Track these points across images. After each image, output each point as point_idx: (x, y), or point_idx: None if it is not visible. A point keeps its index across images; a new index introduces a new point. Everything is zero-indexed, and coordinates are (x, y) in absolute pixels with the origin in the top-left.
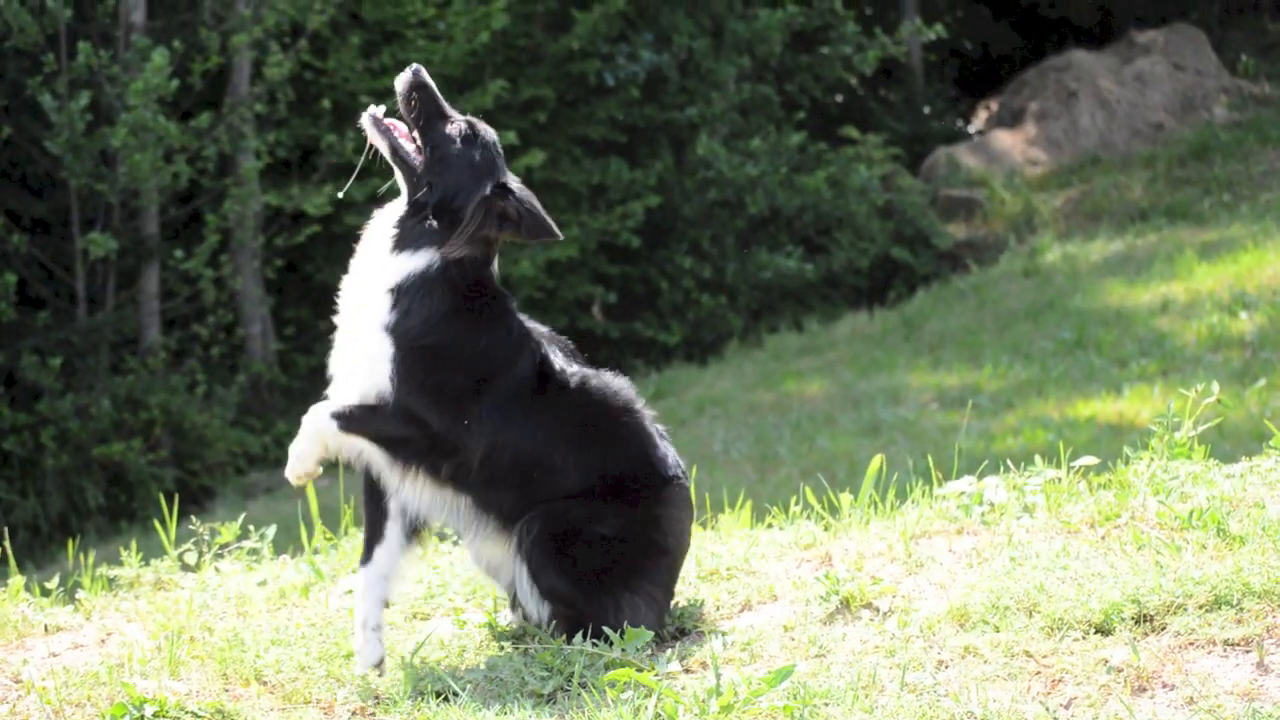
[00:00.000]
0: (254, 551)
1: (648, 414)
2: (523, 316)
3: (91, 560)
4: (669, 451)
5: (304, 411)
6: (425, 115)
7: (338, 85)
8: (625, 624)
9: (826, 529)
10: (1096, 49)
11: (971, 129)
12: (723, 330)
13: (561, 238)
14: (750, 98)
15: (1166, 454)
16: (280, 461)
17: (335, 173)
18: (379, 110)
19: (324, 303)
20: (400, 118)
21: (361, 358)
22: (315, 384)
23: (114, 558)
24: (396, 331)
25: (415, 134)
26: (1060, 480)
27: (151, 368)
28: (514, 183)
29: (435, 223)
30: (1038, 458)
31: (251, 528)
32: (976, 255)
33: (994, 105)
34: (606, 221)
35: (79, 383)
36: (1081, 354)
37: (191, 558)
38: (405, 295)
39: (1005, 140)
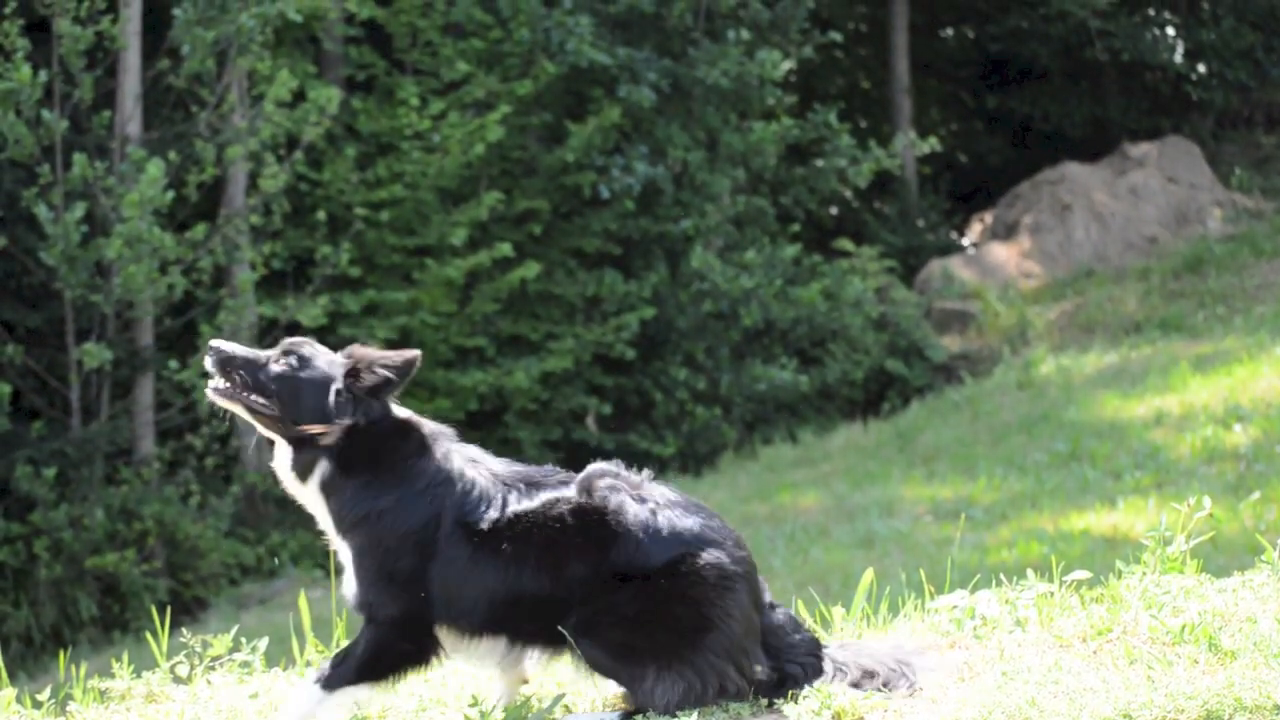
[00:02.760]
0: (246, 664)
1: (630, 508)
2: (467, 454)
3: (83, 672)
4: (665, 526)
5: (298, 522)
6: (250, 374)
7: (333, 197)
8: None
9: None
10: (1090, 162)
11: (966, 241)
12: (717, 442)
13: (417, 354)
14: (745, 210)
15: (1159, 568)
16: (274, 572)
17: (330, 284)
18: (219, 382)
19: None
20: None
21: (347, 570)
22: None
23: (106, 669)
24: (342, 529)
25: (253, 396)
26: (1053, 594)
27: (145, 478)
28: (360, 354)
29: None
30: (1030, 571)
31: (244, 639)
32: (971, 367)
33: (988, 218)
34: (601, 333)
35: (73, 493)
36: (1076, 466)
37: (183, 670)
38: (330, 489)
39: (1000, 253)
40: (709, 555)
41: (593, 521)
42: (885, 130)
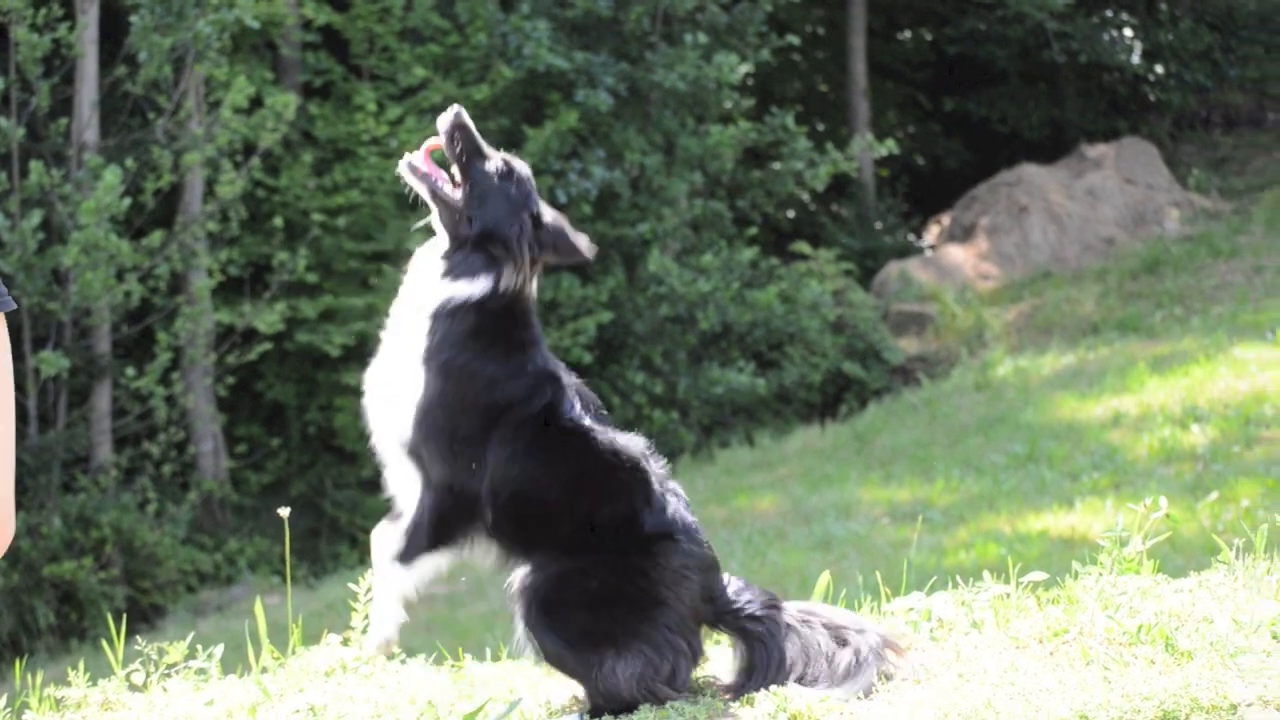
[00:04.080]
0: (202, 671)
1: (656, 472)
2: (554, 361)
3: (40, 680)
4: (670, 508)
5: (255, 529)
6: (466, 153)
7: (290, 203)
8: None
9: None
10: (1048, 164)
11: (923, 244)
12: (674, 446)
13: (590, 258)
14: (702, 214)
15: (1115, 569)
16: (232, 579)
17: (287, 290)
18: (415, 156)
19: (275, 420)
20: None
21: (394, 389)
22: (268, 501)
23: (63, 677)
24: (427, 356)
25: (455, 170)
26: (1009, 596)
27: (103, 486)
28: (547, 212)
29: (487, 254)
30: (986, 573)
31: (200, 647)
32: (928, 369)
33: (946, 220)
34: (558, 338)
35: (30, 501)
36: (1033, 468)
37: (139, 678)
38: (442, 320)
39: (957, 255)
40: (688, 542)
41: (627, 464)
42: (843, 133)
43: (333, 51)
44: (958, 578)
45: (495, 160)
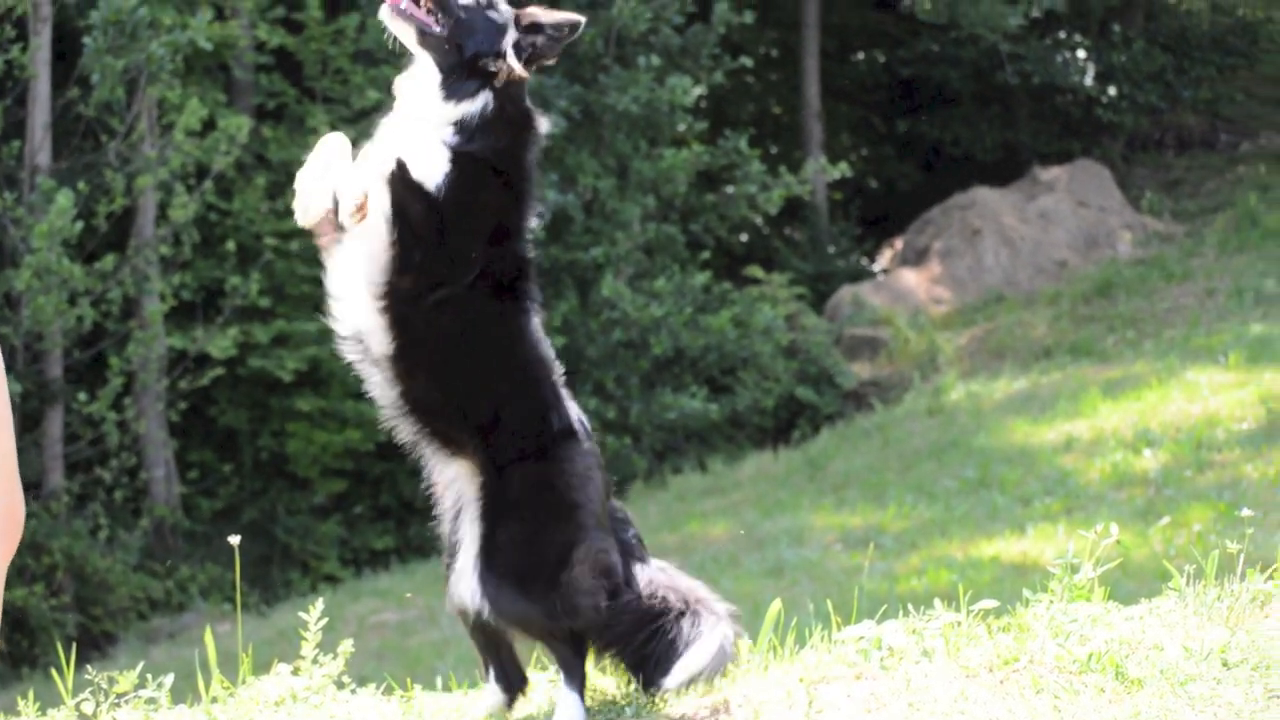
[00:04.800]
0: (152, 700)
1: (556, 372)
2: None
3: None
4: (569, 409)
5: (207, 555)
6: None
7: (243, 227)
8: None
9: (724, 675)
10: (1001, 186)
11: (876, 267)
12: (627, 471)
13: (581, 19)
14: (655, 237)
15: (1066, 596)
16: (184, 606)
17: (240, 315)
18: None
19: (228, 447)
20: None
21: (408, 151)
22: (220, 528)
23: (13, 706)
24: (456, 151)
25: (432, 9)
26: (960, 624)
27: (54, 512)
28: (530, 12)
29: (474, 79)
30: (937, 601)
31: (150, 675)
32: (881, 394)
33: (899, 243)
34: None
35: None
36: (985, 493)
37: (89, 707)
38: (467, 129)
39: (910, 279)
40: (586, 440)
41: (544, 358)
42: (796, 156)
43: (286, 74)
44: (909, 605)
45: None
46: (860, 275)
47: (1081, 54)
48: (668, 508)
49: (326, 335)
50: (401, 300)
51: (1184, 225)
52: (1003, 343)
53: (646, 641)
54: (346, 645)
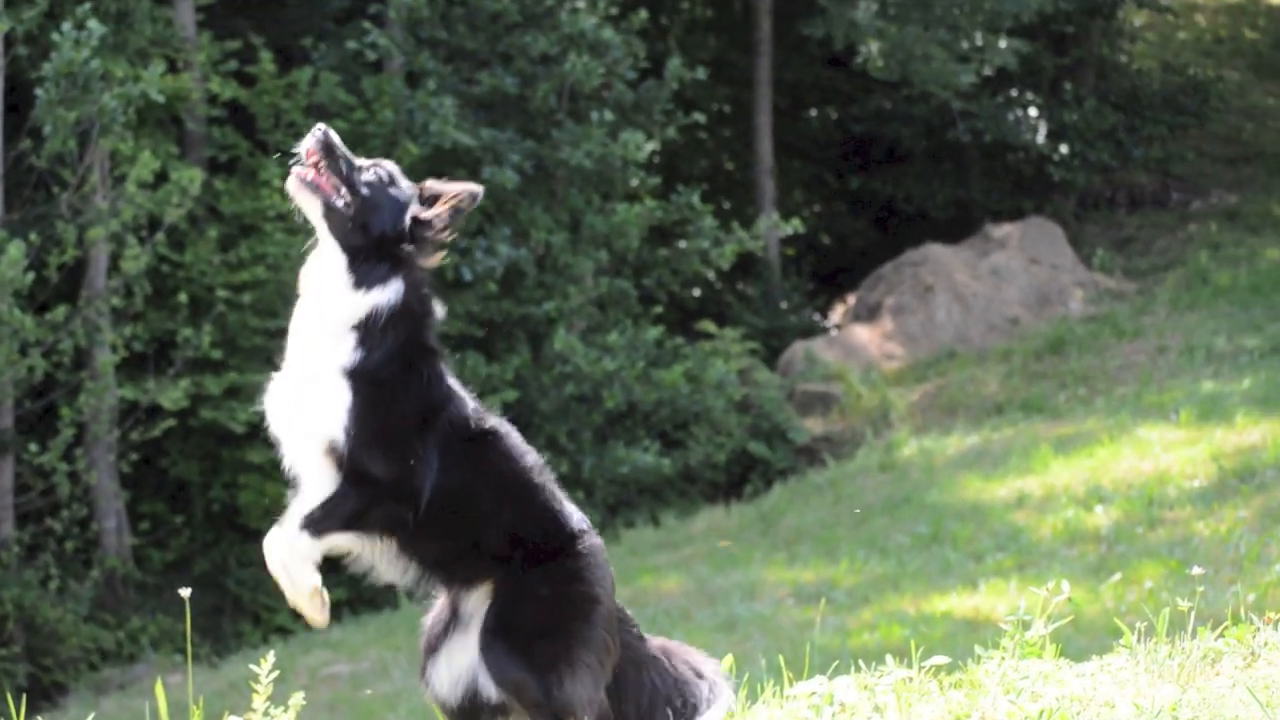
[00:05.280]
0: None
1: (550, 476)
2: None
3: None
4: (573, 509)
5: (158, 607)
6: (342, 169)
7: (195, 279)
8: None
9: None
10: (953, 243)
11: (829, 323)
12: None
13: (479, 190)
14: (608, 292)
15: (1018, 653)
16: (135, 657)
17: (192, 366)
18: (306, 171)
19: (179, 498)
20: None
21: (311, 403)
22: (171, 579)
23: None
24: (356, 373)
25: (337, 183)
26: (912, 679)
27: (4, 563)
28: (429, 185)
29: (384, 263)
30: (889, 656)
31: None
32: (833, 449)
33: (851, 299)
34: None
35: None
36: (937, 548)
37: None
38: (371, 333)
39: (862, 335)
40: (595, 536)
41: (537, 466)
42: (749, 211)
43: (238, 126)
44: (861, 660)
45: (372, 169)
46: (813, 331)
47: (1033, 112)
48: (620, 561)
49: None
50: (388, 524)
51: (1135, 283)
52: (955, 399)
53: None
54: (298, 698)
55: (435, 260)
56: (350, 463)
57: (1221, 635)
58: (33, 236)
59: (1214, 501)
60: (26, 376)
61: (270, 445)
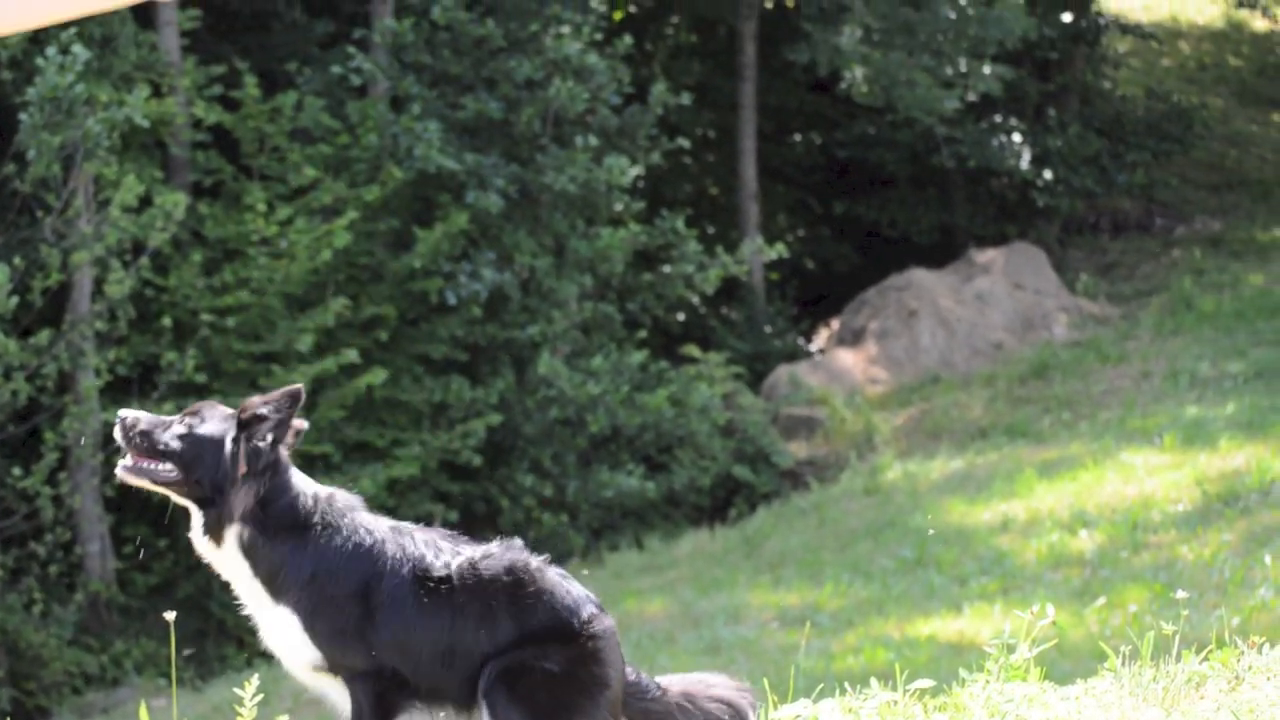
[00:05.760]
0: None
1: (548, 570)
2: (383, 520)
3: None
4: (578, 594)
5: (142, 630)
6: (153, 440)
7: (179, 303)
8: None
9: None
10: (937, 268)
11: (813, 347)
12: (563, 549)
13: (299, 387)
14: (592, 316)
15: (1002, 676)
16: (118, 681)
17: (176, 390)
18: (126, 459)
19: (163, 521)
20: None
21: (283, 640)
22: (155, 603)
23: None
24: (281, 595)
25: (154, 461)
26: (896, 703)
27: None
28: (246, 405)
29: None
30: (874, 680)
31: None
32: (818, 473)
33: (835, 324)
34: (447, 440)
35: None
36: (922, 572)
37: None
38: (259, 559)
39: (846, 359)
40: (607, 617)
41: (523, 578)
42: (733, 236)
43: (223, 151)
44: (846, 684)
45: (178, 422)
46: (797, 355)
47: (1017, 138)
48: (605, 585)
49: None
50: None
51: (1119, 308)
52: (939, 423)
53: None
54: None
55: (263, 484)
56: (336, 668)
57: (1206, 659)
58: (16, 260)
59: (1198, 525)
60: (10, 400)
61: None
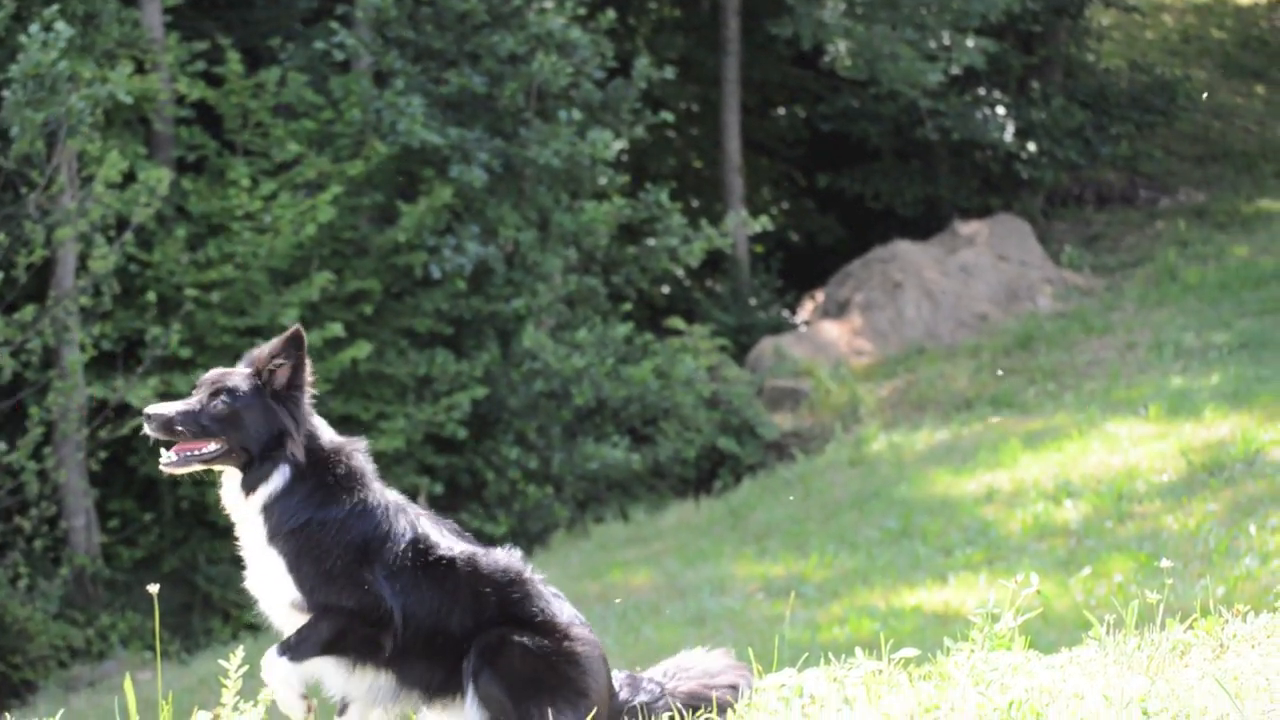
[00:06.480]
0: None
1: (538, 580)
2: (396, 496)
3: None
4: (568, 610)
5: (128, 604)
6: (194, 424)
7: (163, 278)
8: None
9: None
10: (922, 240)
11: (798, 320)
12: (549, 521)
13: (296, 327)
14: (577, 289)
15: (987, 645)
16: (104, 654)
17: (160, 365)
18: (168, 455)
19: (148, 495)
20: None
21: (266, 575)
22: (140, 576)
23: None
24: (274, 538)
25: (205, 444)
26: (881, 672)
27: None
28: (254, 356)
29: (266, 463)
30: (859, 649)
31: None
32: (803, 445)
33: (820, 296)
34: (433, 413)
35: None
36: (907, 543)
37: None
38: (273, 507)
39: (831, 331)
40: (593, 635)
41: (516, 579)
42: (717, 209)
43: (206, 126)
44: (831, 653)
45: (212, 403)
46: (781, 327)
47: (1001, 110)
48: (590, 557)
49: None
50: (365, 649)
51: (1104, 280)
52: (924, 394)
53: None
54: (267, 693)
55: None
56: (313, 605)
57: (1190, 628)
58: (0, 237)
59: (1183, 496)
60: None
61: None
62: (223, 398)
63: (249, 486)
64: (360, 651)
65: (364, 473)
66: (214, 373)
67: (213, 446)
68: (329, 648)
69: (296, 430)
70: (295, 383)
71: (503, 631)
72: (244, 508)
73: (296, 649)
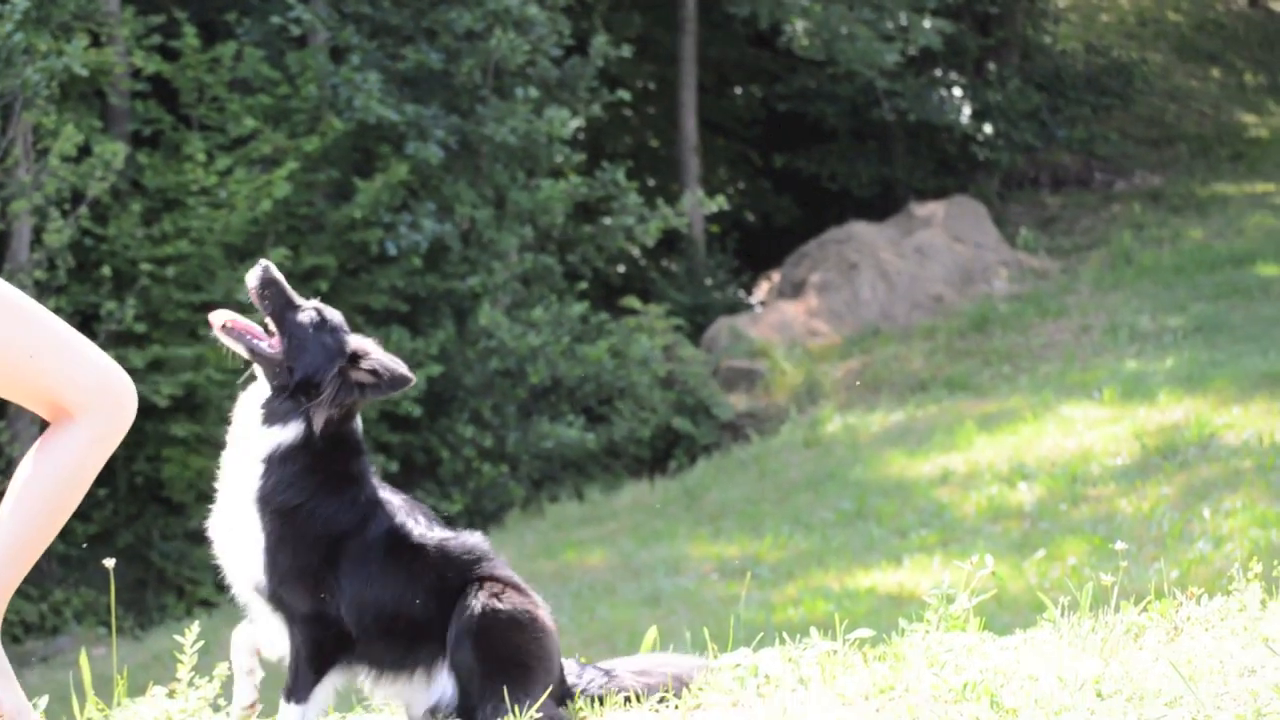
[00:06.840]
0: None
1: (501, 563)
2: (381, 484)
3: None
4: (529, 591)
5: (82, 579)
6: (278, 307)
7: (118, 252)
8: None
9: (602, 701)
10: (877, 221)
11: (754, 300)
12: (504, 499)
13: (414, 379)
14: (532, 268)
15: (942, 626)
16: (58, 630)
17: (115, 340)
18: (227, 314)
19: (103, 470)
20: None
21: (238, 536)
22: (94, 551)
23: None
24: (264, 504)
25: (269, 322)
26: (836, 653)
27: None
28: (367, 348)
29: (301, 399)
30: (814, 630)
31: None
32: (758, 425)
33: (776, 277)
34: None
35: None
36: (862, 524)
37: None
38: (274, 464)
39: (787, 311)
40: (550, 618)
41: (480, 557)
42: (673, 188)
43: (162, 101)
44: (785, 634)
45: (308, 311)
46: (737, 307)
47: (958, 92)
48: (545, 536)
49: (202, 361)
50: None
51: (1059, 262)
52: (879, 376)
53: None
54: (222, 669)
55: (339, 416)
56: (274, 601)
57: (1144, 610)
58: None
59: (1137, 479)
60: None
61: (194, 419)
62: (314, 316)
63: (267, 415)
64: (341, 653)
65: (365, 464)
66: (329, 307)
67: (273, 344)
68: (318, 665)
69: (331, 401)
70: (363, 385)
71: (482, 603)
72: (249, 439)
73: (298, 691)
